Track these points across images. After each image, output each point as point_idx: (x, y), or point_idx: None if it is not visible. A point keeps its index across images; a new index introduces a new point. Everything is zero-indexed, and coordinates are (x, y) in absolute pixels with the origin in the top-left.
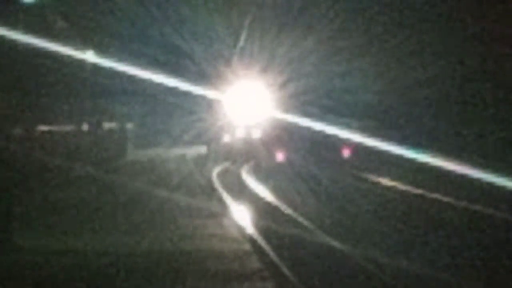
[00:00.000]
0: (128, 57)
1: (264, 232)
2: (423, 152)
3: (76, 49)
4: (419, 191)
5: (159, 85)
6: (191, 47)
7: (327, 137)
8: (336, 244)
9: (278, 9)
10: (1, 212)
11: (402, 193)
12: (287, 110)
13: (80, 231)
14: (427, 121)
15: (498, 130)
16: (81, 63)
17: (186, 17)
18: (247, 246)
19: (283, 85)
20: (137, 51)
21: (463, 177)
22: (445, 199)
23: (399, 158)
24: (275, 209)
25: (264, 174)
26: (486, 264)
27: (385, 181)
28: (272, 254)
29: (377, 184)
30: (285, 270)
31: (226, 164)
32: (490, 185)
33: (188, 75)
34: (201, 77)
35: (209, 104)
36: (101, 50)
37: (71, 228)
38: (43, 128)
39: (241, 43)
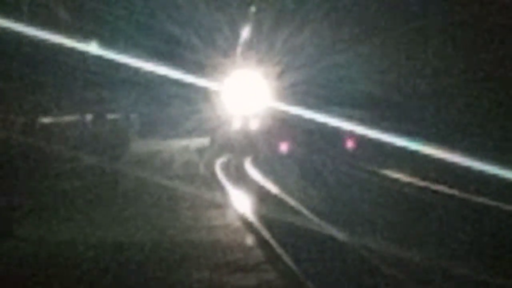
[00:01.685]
0: (130, 48)
1: (267, 222)
2: (427, 144)
3: (80, 40)
4: (423, 183)
5: (161, 76)
6: (191, 38)
7: (329, 128)
8: (339, 235)
9: None
10: (2, 203)
11: (408, 185)
12: (287, 101)
13: (83, 221)
14: (431, 112)
15: (504, 123)
16: (85, 54)
17: (185, 8)
18: (250, 237)
19: (282, 75)
20: (138, 42)
21: (468, 169)
22: (449, 191)
23: (403, 150)
24: (279, 200)
25: (267, 165)
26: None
27: (391, 173)
28: (275, 245)
29: (383, 176)
30: (289, 262)
31: (230, 155)
32: (496, 177)
33: (189, 66)
34: (202, 68)
35: (210, 95)
36: (104, 41)
37: (73, 218)
38: (46, 119)
39: (240, 33)
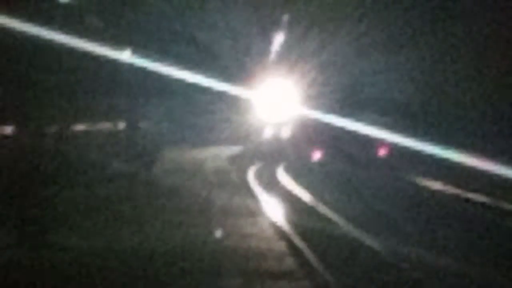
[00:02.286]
0: (163, 56)
1: (300, 231)
2: (461, 152)
3: (113, 48)
4: (459, 192)
5: (194, 84)
6: (223, 46)
7: (361, 135)
8: (372, 243)
9: (308, 5)
10: (36, 209)
11: (444, 194)
12: (318, 108)
13: (117, 229)
14: (466, 120)
15: None
16: (118, 62)
17: (218, 16)
18: (282, 245)
19: (314, 83)
20: (171, 50)
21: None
22: (481, 199)
23: (436, 158)
24: (311, 208)
25: (299, 173)
26: None
27: (425, 182)
28: (307, 253)
29: (417, 185)
30: (321, 269)
31: (261, 163)
32: None
33: (222, 74)
34: (234, 76)
35: (243, 103)
36: (137, 49)
37: (107, 225)
38: (80, 127)
39: (273, 41)
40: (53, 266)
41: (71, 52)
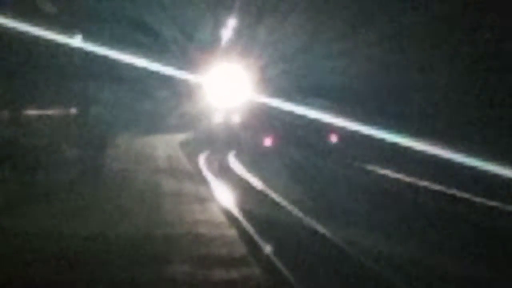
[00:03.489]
0: (114, 42)
1: (250, 217)
2: (409, 138)
3: (65, 33)
4: (408, 179)
5: (144, 70)
6: (174, 31)
7: (312, 122)
8: (319, 228)
9: None
10: None
11: (395, 181)
12: (270, 94)
13: (66, 213)
14: (417, 106)
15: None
16: (70, 47)
17: (169, 1)
18: (233, 232)
19: (265, 69)
20: (122, 36)
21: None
22: (433, 186)
23: (386, 144)
24: (262, 194)
25: (250, 160)
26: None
27: (375, 169)
28: (257, 239)
29: (365, 171)
30: (270, 255)
31: (213, 149)
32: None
33: (172, 60)
34: (184, 62)
35: (193, 89)
36: (89, 34)
37: (57, 210)
38: (31, 111)
39: (223, 27)
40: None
41: (24, 37)
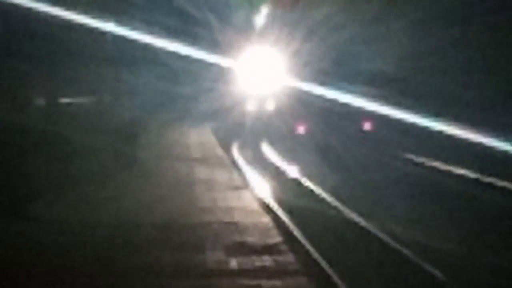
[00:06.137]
0: (145, 26)
1: (285, 205)
2: (451, 124)
3: (97, 19)
4: (446, 168)
5: (177, 54)
6: (207, 15)
7: (345, 107)
8: (356, 218)
9: None
10: (16, 183)
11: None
12: (303, 80)
13: (96, 201)
14: (450, 90)
15: None
16: (102, 32)
17: None
18: (267, 220)
19: (298, 54)
20: (152, 20)
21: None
22: (457, 171)
23: (423, 131)
24: (297, 183)
25: (284, 148)
26: None
27: (410, 156)
28: (292, 228)
29: (402, 159)
30: (305, 244)
31: (244, 137)
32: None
33: (204, 45)
34: (217, 46)
35: (225, 74)
36: (120, 19)
37: (86, 198)
38: (66, 99)
39: (257, 11)
40: (33, 239)
41: (59, 22)
